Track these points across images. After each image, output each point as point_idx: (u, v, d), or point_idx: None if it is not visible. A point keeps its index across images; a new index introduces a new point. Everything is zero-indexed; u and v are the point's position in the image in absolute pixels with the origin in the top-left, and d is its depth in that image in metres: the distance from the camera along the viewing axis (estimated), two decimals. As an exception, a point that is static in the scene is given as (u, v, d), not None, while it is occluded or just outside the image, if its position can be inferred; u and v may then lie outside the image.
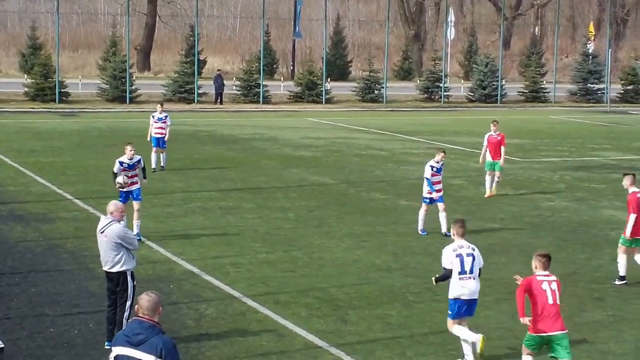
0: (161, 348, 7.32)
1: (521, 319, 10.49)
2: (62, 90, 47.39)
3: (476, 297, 11.50)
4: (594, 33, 63.76)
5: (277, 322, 12.96)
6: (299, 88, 52.23)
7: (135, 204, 17.40)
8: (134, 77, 50.33)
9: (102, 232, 11.75)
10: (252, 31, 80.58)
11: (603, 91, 57.08)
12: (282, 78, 61.58)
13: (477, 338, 11.34)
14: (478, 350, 11.32)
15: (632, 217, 15.13)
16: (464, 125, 42.27)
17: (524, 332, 12.52)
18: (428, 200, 18.55)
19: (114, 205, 11.97)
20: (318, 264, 16.24)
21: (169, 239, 17.84)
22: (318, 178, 25.77)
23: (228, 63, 72.29)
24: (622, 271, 15.40)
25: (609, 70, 56.87)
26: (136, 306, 7.58)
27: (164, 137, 26.10)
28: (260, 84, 50.77)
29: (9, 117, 40.41)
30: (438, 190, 18.49)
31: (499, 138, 23.18)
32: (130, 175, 17.24)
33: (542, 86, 57.20)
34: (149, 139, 26.30)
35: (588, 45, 60.38)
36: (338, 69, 67.73)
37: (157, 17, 68.65)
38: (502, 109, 51.90)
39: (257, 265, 16.02)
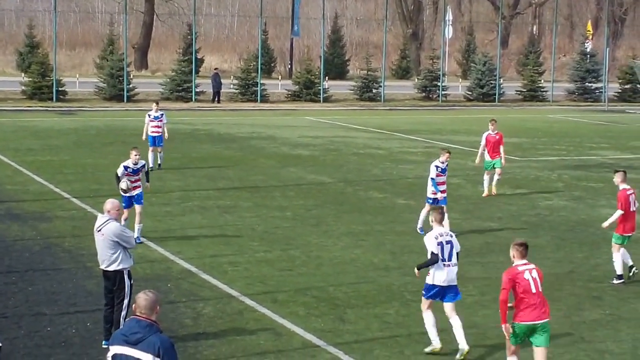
0: (159, 347, 7.31)
1: (503, 327, 10.48)
2: (60, 88, 47.34)
3: (455, 284, 11.78)
4: (591, 32, 63.87)
5: (275, 321, 12.95)
6: (297, 87, 52.21)
7: (137, 207, 17.36)
8: (132, 75, 50.31)
9: (99, 231, 11.73)
10: (250, 30, 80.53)
11: (601, 90, 57.08)
12: (279, 77, 61.55)
13: (436, 345, 11.74)
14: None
15: (618, 213, 15.31)
16: (462, 124, 42.28)
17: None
18: (432, 201, 18.55)
19: (111, 203, 11.94)
20: (316, 263, 16.23)
21: (166, 237, 17.82)
22: (316, 177, 25.76)
23: (226, 62, 72.25)
24: (619, 270, 15.41)
25: (607, 69, 56.89)
26: (134, 305, 7.56)
27: (161, 135, 26.07)
28: (258, 82, 50.74)
29: (6, 116, 40.37)
30: (443, 191, 18.49)
31: (497, 137, 23.16)
32: (133, 180, 17.20)
33: (540, 85, 57.21)
34: (144, 138, 26.25)
35: (586, 44, 60.43)
36: (336, 68, 67.74)
37: (155, 16, 68.59)
38: (500, 108, 51.91)
39: (254, 264, 16.01)
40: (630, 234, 15.51)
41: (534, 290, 10.40)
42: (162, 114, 26.45)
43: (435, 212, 12.06)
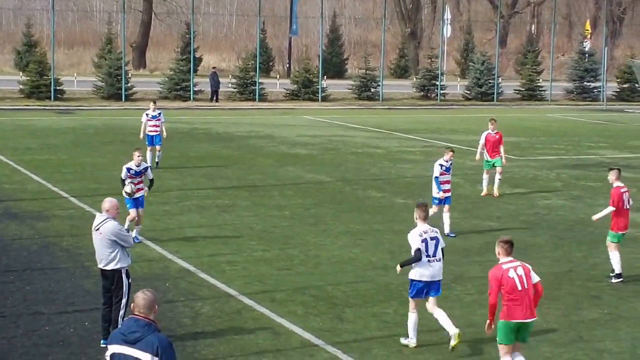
0: (157, 346, 7.29)
1: (488, 327, 10.55)
2: (58, 87, 47.31)
3: (438, 279, 11.92)
4: (590, 31, 63.82)
5: (273, 320, 12.94)
6: (295, 86, 52.19)
7: (140, 210, 17.30)
8: (130, 74, 50.23)
9: (97, 230, 11.71)
10: (248, 29, 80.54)
11: (599, 89, 57.10)
12: (278, 76, 61.54)
13: (412, 342, 11.92)
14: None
15: (609, 209, 15.48)
16: (461, 123, 42.27)
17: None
18: (438, 201, 18.53)
19: (109, 202, 11.92)
20: (314, 262, 16.21)
21: (164, 237, 17.79)
22: (314, 176, 25.74)
23: (224, 61, 72.24)
24: (617, 268, 15.42)
25: (605, 69, 56.91)
26: (132, 304, 7.54)
27: (159, 134, 26.05)
28: (256, 81, 50.72)
29: (4, 115, 40.32)
30: (445, 191, 18.49)
31: (497, 137, 23.14)
32: (136, 182, 17.11)
33: (539, 84, 57.23)
34: (141, 136, 26.21)
35: (584, 43, 60.43)
36: (334, 67, 67.75)
37: (153, 15, 68.59)
38: (498, 107, 51.92)
39: (253, 263, 15.99)
40: (624, 232, 15.61)
41: (519, 288, 10.40)
42: (160, 113, 26.42)
43: (419, 209, 12.10)
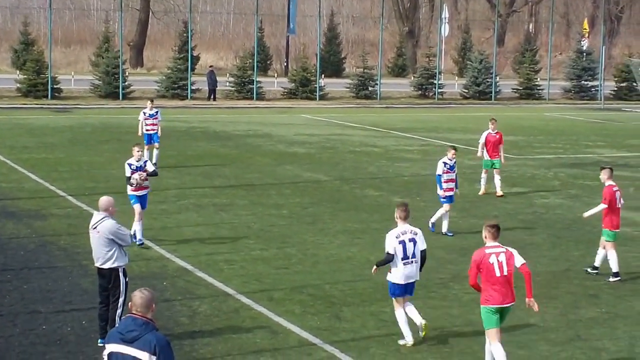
0: (155, 345, 7.28)
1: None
2: (55, 86, 47.23)
3: (413, 280, 11.94)
4: (588, 30, 63.85)
5: (271, 319, 12.93)
6: (293, 84, 52.16)
7: (142, 211, 17.26)
8: (127, 73, 50.17)
9: (94, 228, 11.69)
10: (246, 27, 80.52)
11: (597, 88, 57.11)
12: (275, 74, 61.51)
13: (409, 341, 11.87)
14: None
15: (601, 207, 15.63)
16: (458, 122, 42.26)
17: (515, 327, 12.54)
18: (444, 200, 18.56)
19: (106, 201, 11.90)
20: (312, 261, 16.20)
21: (162, 235, 17.78)
22: (312, 175, 25.73)
23: (221, 59, 72.18)
24: (614, 267, 15.43)
25: (603, 68, 56.92)
26: (129, 303, 7.53)
27: (157, 133, 26.02)
28: (253, 80, 50.67)
29: (1, 114, 40.26)
30: (447, 189, 18.49)
31: (497, 137, 23.13)
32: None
33: (536, 83, 57.25)
34: (140, 134, 26.18)
35: (582, 42, 60.44)
36: (332, 66, 67.69)
37: (150, 13, 68.51)
38: (496, 106, 51.92)
39: (250, 262, 15.98)
40: (617, 230, 15.71)
41: (497, 274, 10.53)
42: (157, 112, 26.40)
43: (399, 209, 12.07)
